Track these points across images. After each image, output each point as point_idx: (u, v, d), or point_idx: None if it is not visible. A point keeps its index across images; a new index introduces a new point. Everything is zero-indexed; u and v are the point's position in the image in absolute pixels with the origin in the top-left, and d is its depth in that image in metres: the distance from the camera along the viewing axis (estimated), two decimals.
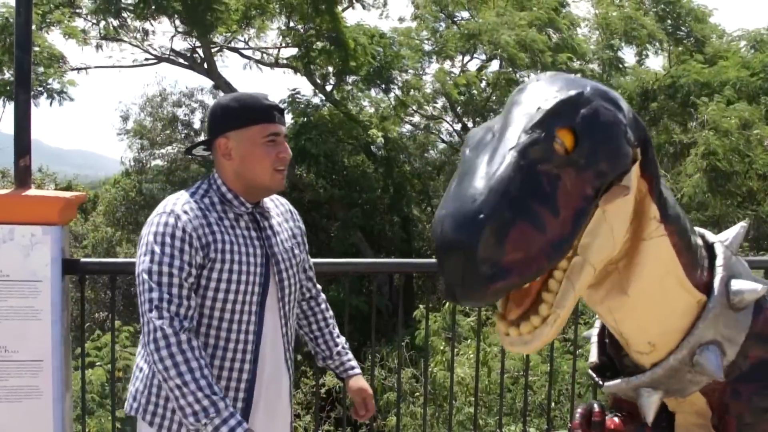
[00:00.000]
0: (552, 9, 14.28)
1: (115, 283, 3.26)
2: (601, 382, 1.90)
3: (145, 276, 2.00)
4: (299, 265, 2.32)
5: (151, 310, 1.97)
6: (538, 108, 1.38)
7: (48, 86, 13.81)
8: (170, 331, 1.94)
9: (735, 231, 1.94)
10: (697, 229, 1.94)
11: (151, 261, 2.00)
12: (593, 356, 2.00)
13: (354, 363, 2.49)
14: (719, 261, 1.81)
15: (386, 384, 7.10)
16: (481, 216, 1.24)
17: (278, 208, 2.34)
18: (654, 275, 1.65)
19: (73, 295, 3.61)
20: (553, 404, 6.16)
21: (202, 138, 21.20)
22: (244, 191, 2.16)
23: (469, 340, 7.56)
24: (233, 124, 2.13)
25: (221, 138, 2.14)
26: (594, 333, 2.03)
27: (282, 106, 2.21)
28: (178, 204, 2.09)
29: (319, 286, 2.55)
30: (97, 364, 6.98)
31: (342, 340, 2.53)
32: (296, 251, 2.29)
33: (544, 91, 1.42)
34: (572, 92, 1.41)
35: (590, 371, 1.97)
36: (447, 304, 5.36)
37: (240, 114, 2.13)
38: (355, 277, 9.85)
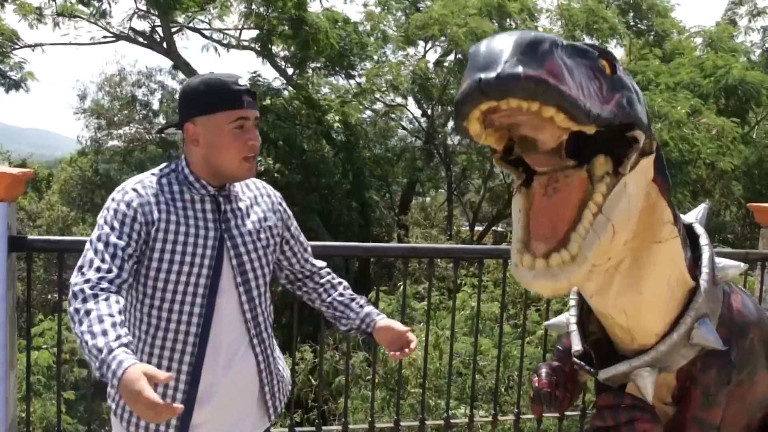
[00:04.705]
0: None
1: (63, 261, 3.21)
2: (591, 370, 1.93)
3: (87, 245, 2.04)
4: (268, 248, 2.25)
5: (77, 271, 1.98)
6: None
7: (6, 75, 13.59)
8: (78, 288, 1.91)
9: (701, 211, 2.05)
10: None
11: (97, 232, 2.05)
12: (577, 344, 1.99)
13: (375, 311, 2.45)
14: (704, 240, 1.93)
15: (338, 367, 7.13)
16: (538, 37, 1.26)
17: (251, 191, 2.29)
18: (665, 274, 1.76)
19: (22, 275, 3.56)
20: (502, 389, 6.25)
21: (161, 119, 21.03)
22: (209, 176, 2.15)
23: (422, 324, 7.62)
24: (200, 110, 2.10)
25: (189, 123, 2.13)
26: (572, 321, 2.03)
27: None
28: (130, 183, 2.13)
29: (321, 263, 2.52)
30: (43, 347, 6.89)
31: (358, 298, 2.49)
32: (263, 235, 2.23)
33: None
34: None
35: (576, 360, 1.99)
36: (401, 287, 5.31)
37: (207, 99, 2.10)
38: None
